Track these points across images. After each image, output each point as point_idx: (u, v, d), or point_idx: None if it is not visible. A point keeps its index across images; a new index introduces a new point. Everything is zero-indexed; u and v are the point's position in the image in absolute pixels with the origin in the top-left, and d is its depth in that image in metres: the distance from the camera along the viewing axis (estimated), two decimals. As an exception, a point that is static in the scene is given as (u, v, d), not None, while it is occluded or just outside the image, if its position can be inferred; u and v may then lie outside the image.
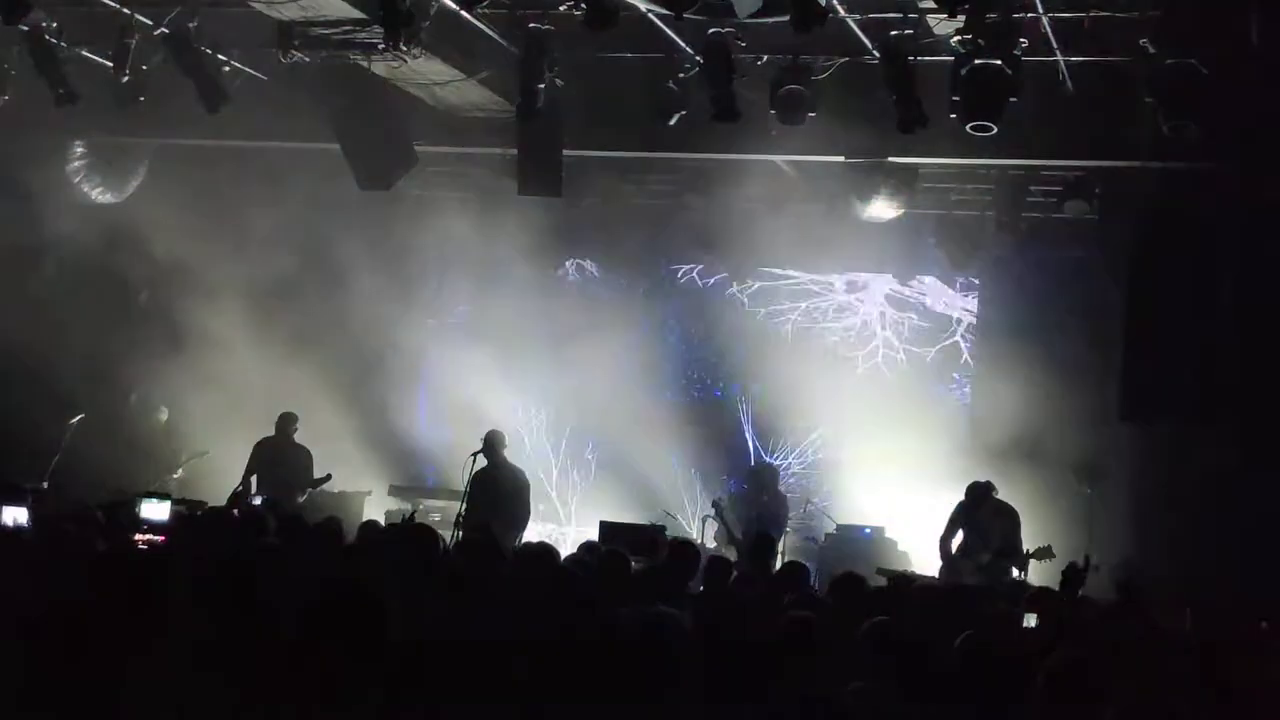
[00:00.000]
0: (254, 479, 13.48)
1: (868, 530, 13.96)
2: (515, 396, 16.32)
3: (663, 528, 13.66)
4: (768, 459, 14.90)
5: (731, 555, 12.16)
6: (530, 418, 16.24)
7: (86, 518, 9.06)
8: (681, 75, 11.45)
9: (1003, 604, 9.12)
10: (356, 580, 7.07)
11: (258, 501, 12.72)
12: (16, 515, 9.17)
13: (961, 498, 12.56)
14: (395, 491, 15.19)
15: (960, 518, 12.60)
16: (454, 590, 7.25)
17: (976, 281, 15.15)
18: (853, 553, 13.34)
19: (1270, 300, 12.32)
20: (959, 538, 12.61)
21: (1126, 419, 12.95)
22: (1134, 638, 7.09)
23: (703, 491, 15.47)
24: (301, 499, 13.38)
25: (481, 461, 12.93)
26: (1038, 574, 11.89)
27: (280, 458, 13.62)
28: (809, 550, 14.20)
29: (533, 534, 13.10)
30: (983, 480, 12.53)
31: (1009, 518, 12.36)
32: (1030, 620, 7.61)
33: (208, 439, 14.90)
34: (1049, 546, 12.04)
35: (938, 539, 12.76)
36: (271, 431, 13.80)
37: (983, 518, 12.40)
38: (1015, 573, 12.02)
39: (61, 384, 14.75)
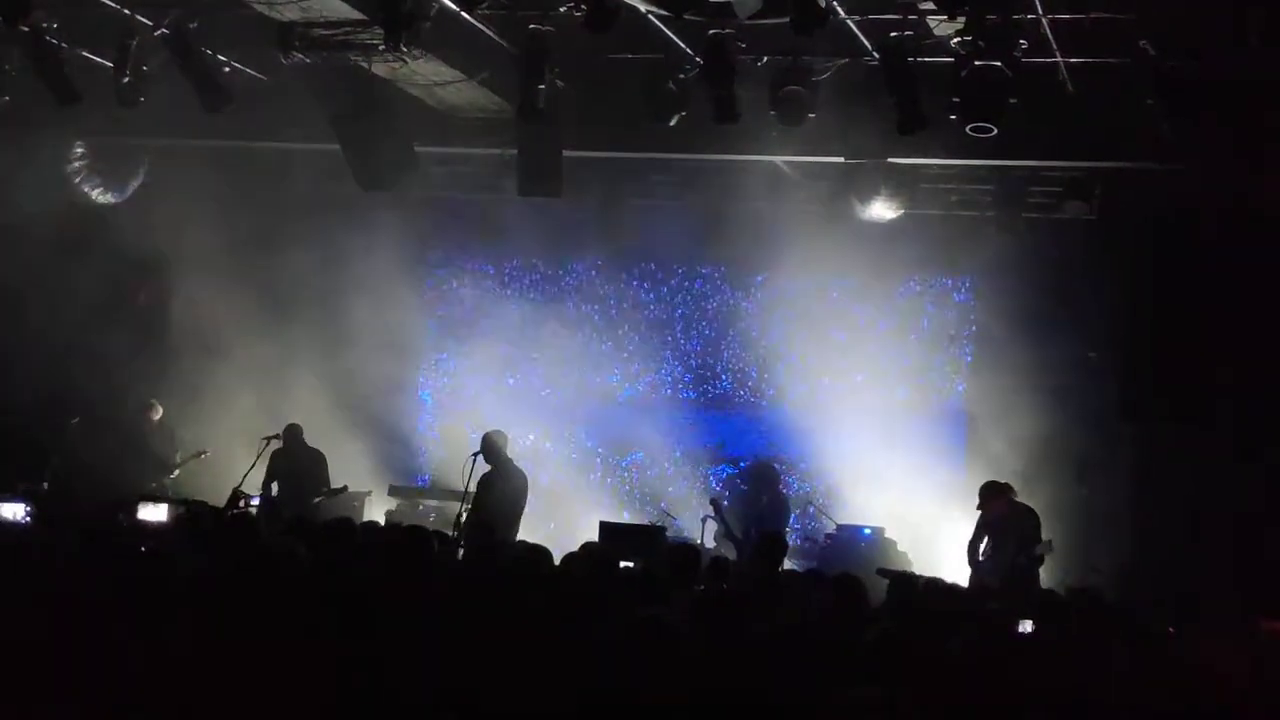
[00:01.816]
0: (274, 485, 13.70)
1: (868, 530, 13.97)
2: (516, 395, 16.34)
3: (662, 528, 13.69)
4: (768, 458, 14.89)
5: (731, 554, 12.18)
6: (531, 416, 16.23)
7: (86, 520, 9.09)
8: (681, 76, 11.46)
9: (997, 606, 9.09)
10: (358, 580, 7.10)
11: (255, 501, 12.80)
12: (16, 515, 9.21)
13: (974, 500, 12.65)
14: (395, 492, 15.20)
15: (981, 520, 12.62)
16: (452, 591, 7.28)
17: (975, 282, 15.15)
18: (853, 553, 13.35)
19: (1268, 300, 12.34)
20: (985, 541, 12.61)
21: (1125, 417, 12.97)
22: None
23: (703, 491, 15.48)
24: (317, 500, 13.49)
25: (482, 462, 12.96)
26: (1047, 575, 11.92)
27: (296, 467, 13.79)
28: (809, 550, 14.22)
29: (534, 535, 13.10)
30: (998, 480, 12.53)
31: (1027, 517, 12.41)
32: (1026, 626, 7.49)
33: (206, 439, 14.91)
34: (1049, 541, 12.06)
35: (969, 544, 12.74)
36: (281, 438, 13.89)
37: (999, 518, 12.43)
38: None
39: (60, 384, 14.78)
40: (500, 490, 12.52)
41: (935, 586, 8.64)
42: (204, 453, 14.54)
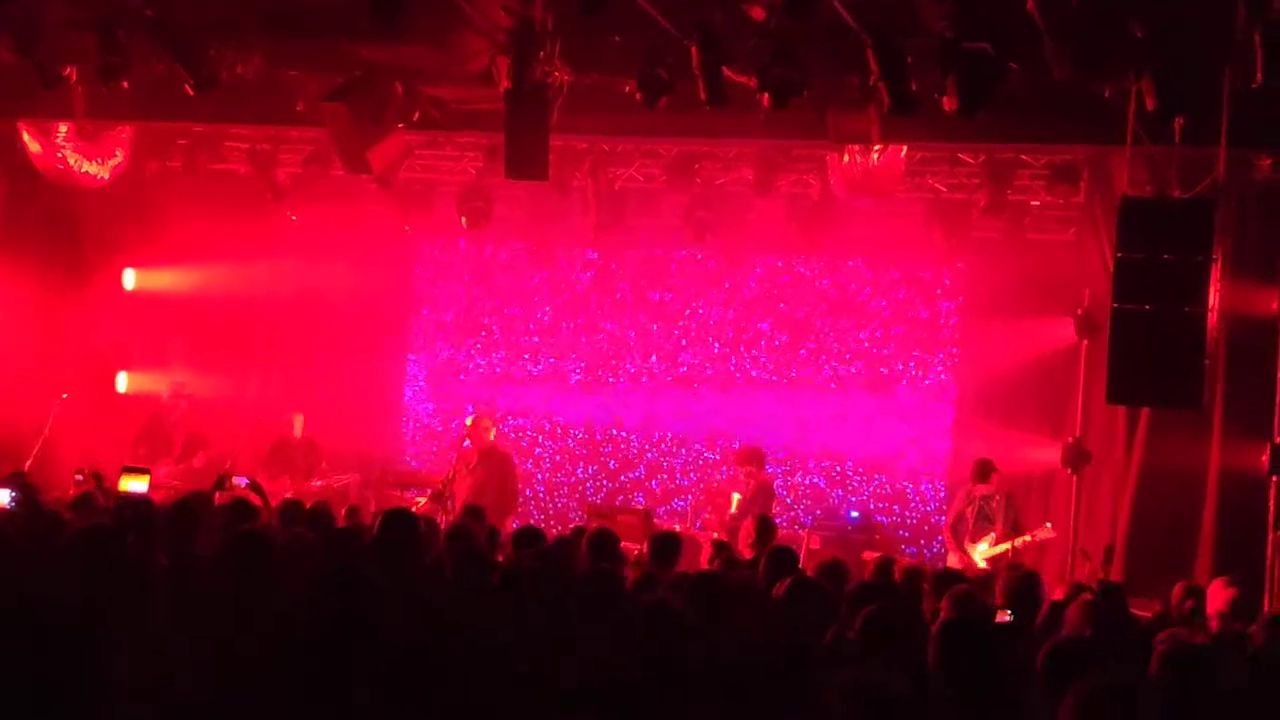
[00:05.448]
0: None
1: (854, 514, 14.02)
2: (505, 379, 16.37)
3: (650, 512, 13.75)
4: (755, 441, 14.92)
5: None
6: (521, 400, 16.27)
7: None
8: (670, 59, 11.41)
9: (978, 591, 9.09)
10: (351, 568, 7.08)
11: (243, 483, 12.81)
12: (1, 502, 9.16)
13: (969, 479, 12.77)
14: (384, 476, 15.22)
15: (967, 500, 12.74)
16: (449, 577, 7.28)
17: (964, 265, 15.16)
18: (839, 536, 13.41)
19: (1256, 284, 12.35)
20: (966, 520, 12.73)
21: (1113, 402, 12.97)
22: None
23: (694, 475, 15.52)
24: (317, 483, 13.84)
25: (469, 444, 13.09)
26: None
27: (292, 455, 14.31)
28: (795, 534, 14.25)
29: (525, 519, 13.16)
30: (986, 459, 12.70)
31: (1011, 499, 12.60)
32: (1005, 616, 7.40)
33: (198, 424, 14.92)
34: (1048, 526, 12.33)
35: (947, 524, 12.85)
36: (277, 426, 14.53)
37: (988, 498, 12.57)
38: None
39: (46, 366, 14.75)
40: (489, 472, 12.70)
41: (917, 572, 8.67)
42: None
